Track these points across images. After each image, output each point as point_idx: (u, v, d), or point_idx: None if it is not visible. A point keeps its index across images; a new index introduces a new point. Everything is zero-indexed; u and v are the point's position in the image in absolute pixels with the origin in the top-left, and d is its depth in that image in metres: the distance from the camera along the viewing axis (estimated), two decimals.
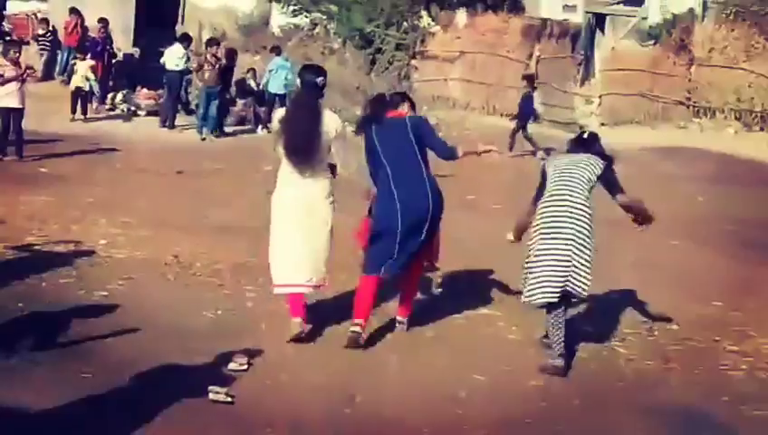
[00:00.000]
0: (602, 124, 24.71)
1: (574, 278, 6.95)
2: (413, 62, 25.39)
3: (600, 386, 6.95)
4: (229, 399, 6.01)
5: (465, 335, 7.84)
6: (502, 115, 23.87)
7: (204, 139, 18.12)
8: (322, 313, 7.94)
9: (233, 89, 20.32)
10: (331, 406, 6.16)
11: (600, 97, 25.65)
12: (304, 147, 7.22)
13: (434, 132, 7.67)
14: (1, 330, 6.85)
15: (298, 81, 7.60)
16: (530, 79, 20.01)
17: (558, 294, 6.97)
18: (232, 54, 19.77)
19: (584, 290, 7.04)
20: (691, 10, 27.37)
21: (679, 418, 6.46)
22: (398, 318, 7.75)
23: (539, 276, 7.01)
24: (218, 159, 15.59)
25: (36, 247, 9.10)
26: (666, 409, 6.57)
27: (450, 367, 7.02)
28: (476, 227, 11.29)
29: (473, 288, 9.01)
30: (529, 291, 7.08)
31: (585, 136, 7.75)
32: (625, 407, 6.53)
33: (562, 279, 6.95)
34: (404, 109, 7.64)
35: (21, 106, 13.85)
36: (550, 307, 7.07)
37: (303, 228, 7.27)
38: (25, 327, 6.95)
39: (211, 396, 5.99)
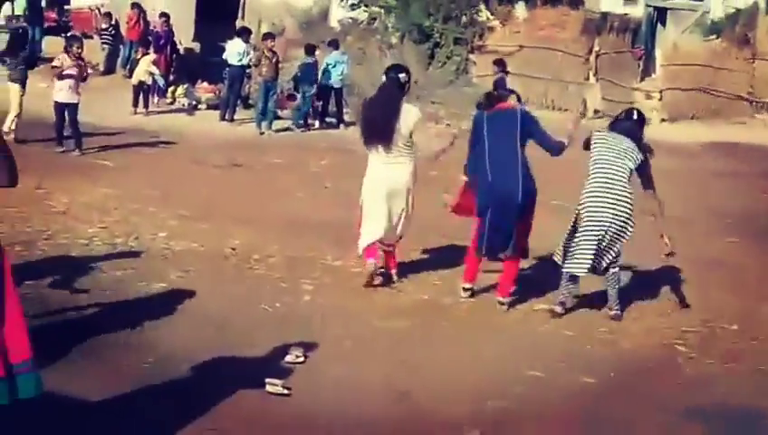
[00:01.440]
0: (663, 120, 24.42)
1: (603, 257, 7.94)
2: (471, 56, 25.28)
3: (658, 384, 6.86)
4: (285, 391, 6.05)
5: (521, 330, 7.81)
6: (560, 110, 23.71)
7: (262, 133, 18.21)
8: (386, 308, 7.99)
9: (284, 82, 20.26)
10: (385, 401, 6.19)
11: (660, 92, 25.30)
12: (377, 130, 8.14)
13: (541, 128, 8.24)
14: (64, 320, 6.97)
15: (384, 77, 8.47)
16: (500, 64, 19.50)
17: (587, 270, 7.99)
18: (312, 50, 19.77)
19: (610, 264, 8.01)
20: (755, 3, 26.90)
21: (739, 419, 6.38)
22: (498, 298, 8.27)
23: (576, 249, 7.94)
24: (276, 153, 15.67)
25: (97, 239, 9.23)
26: (725, 409, 6.49)
27: (505, 362, 7.00)
28: None
29: (528, 282, 8.97)
30: (568, 259, 8.05)
31: (634, 115, 8.31)
32: (683, 406, 6.45)
33: (594, 258, 7.92)
34: (513, 101, 8.49)
35: (75, 102, 13.93)
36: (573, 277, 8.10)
37: (386, 209, 8.28)
38: (88, 317, 7.08)
39: (268, 388, 6.04)
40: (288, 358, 6.62)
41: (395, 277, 8.68)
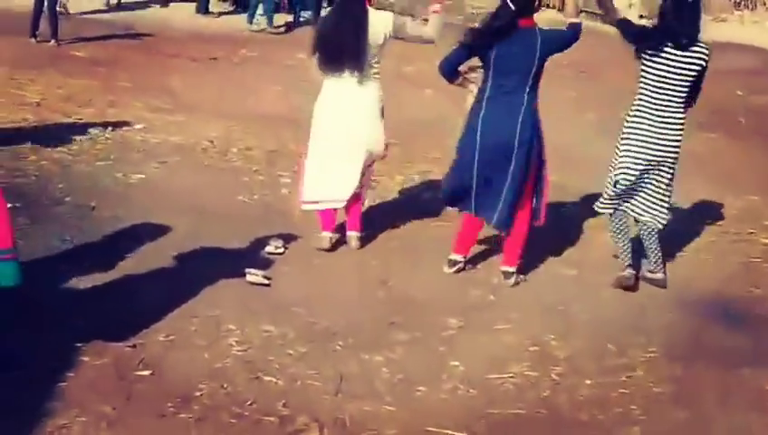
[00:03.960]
0: (641, 16, 24.22)
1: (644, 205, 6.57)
2: None
3: None
4: (266, 281, 6.11)
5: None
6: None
7: (260, 30, 17.32)
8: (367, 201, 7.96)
9: None
10: (364, 289, 6.28)
11: None
12: (342, 50, 6.56)
13: (558, 37, 6.38)
14: (43, 212, 6.95)
15: None
16: None
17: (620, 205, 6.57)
18: None
19: (656, 218, 6.56)
20: None
21: (710, 309, 6.49)
22: (501, 268, 6.64)
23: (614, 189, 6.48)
24: (253, 47, 15.45)
25: (73, 130, 9.15)
26: (697, 300, 6.60)
27: (483, 256, 7.04)
28: None
29: None
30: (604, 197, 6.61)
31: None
32: (655, 297, 6.56)
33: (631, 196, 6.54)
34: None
35: None
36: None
37: (338, 151, 6.72)
38: (65, 210, 7.07)
39: (249, 278, 6.09)
40: (268, 249, 6.68)
41: (355, 242, 6.93)
